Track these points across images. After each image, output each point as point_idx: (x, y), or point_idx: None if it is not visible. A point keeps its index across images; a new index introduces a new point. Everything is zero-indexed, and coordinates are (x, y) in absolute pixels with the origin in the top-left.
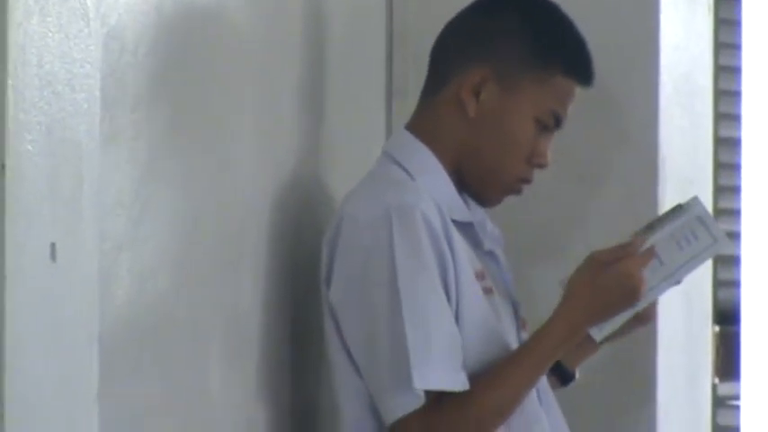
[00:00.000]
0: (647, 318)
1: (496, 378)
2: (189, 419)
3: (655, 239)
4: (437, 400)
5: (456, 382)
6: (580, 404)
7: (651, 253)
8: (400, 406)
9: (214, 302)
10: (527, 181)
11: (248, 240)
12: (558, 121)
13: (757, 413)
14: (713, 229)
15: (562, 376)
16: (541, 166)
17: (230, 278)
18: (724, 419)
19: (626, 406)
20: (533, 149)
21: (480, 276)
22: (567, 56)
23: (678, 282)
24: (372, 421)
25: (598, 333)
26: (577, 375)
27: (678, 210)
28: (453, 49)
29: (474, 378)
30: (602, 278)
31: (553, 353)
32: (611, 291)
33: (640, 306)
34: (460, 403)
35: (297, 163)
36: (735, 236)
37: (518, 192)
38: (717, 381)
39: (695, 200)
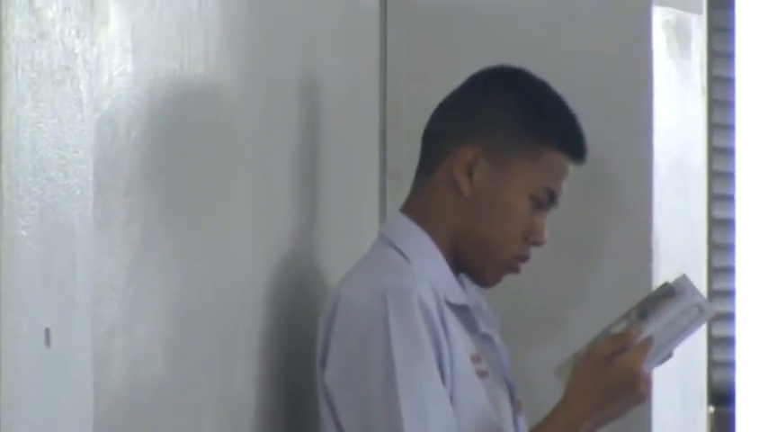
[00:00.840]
0: (643, 397)
1: None
2: None
3: (652, 330)
4: None
5: None
6: None
7: (649, 343)
8: None
9: (208, 385)
10: (524, 259)
11: (243, 321)
12: (552, 198)
13: None
14: (704, 304)
15: None
16: (538, 243)
17: (225, 360)
18: None
19: None
20: (529, 227)
21: (475, 360)
22: (559, 130)
23: (671, 355)
24: None
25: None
26: None
27: (668, 290)
28: (445, 129)
29: None
30: (604, 376)
31: None
32: (615, 388)
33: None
34: None
35: (292, 244)
36: (729, 317)
37: (516, 270)
38: None
39: (687, 283)
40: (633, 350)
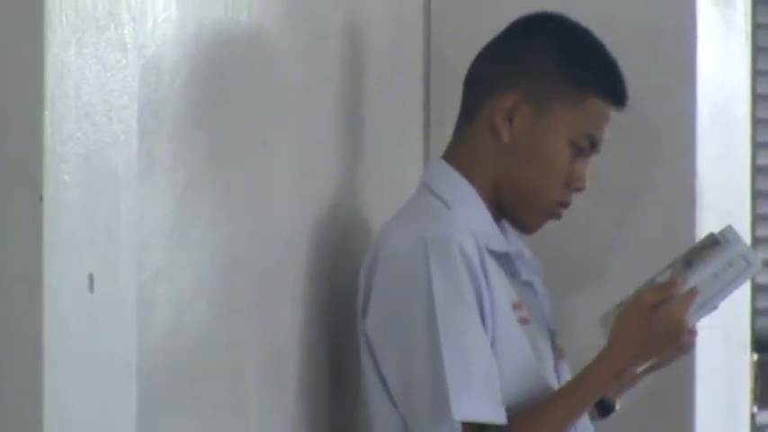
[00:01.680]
0: (687, 347)
1: (537, 414)
2: None
3: (697, 279)
4: None
5: (495, 414)
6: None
7: (694, 293)
8: None
9: (252, 332)
10: (566, 205)
11: (286, 269)
12: (593, 144)
13: None
14: (750, 256)
15: (602, 407)
16: (579, 189)
17: (268, 307)
18: None
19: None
20: (571, 173)
21: (517, 307)
22: (599, 77)
23: (715, 307)
24: None
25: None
26: (618, 407)
27: (713, 240)
28: (485, 76)
29: (513, 412)
30: (648, 325)
31: (596, 394)
32: (659, 338)
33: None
34: None
35: (335, 192)
36: None
37: (558, 216)
38: (755, 409)
39: (732, 233)
40: (677, 300)
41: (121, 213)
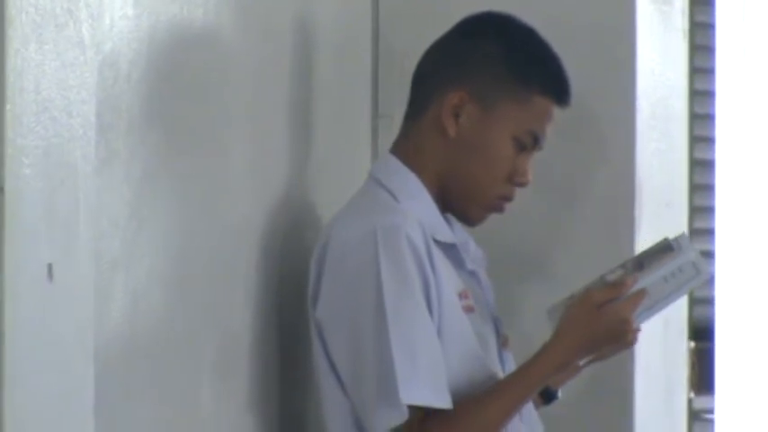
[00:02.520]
0: (629, 344)
1: (482, 400)
2: (182, 429)
3: (647, 282)
4: (421, 419)
5: (441, 399)
6: (559, 418)
7: (642, 294)
8: (386, 420)
9: (207, 319)
10: (508, 199)
11: (240, 258)
12: (536, 141)
13: (731, 426)
14: (700, 265)
15: (545, 395)
16: (522, 184)
17: (223, 295)
18: None
19: (605, 420)
20: (514, 168)
21: (462, 296)
22: (544, 75)
23: (660, 311)
24: None
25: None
26: (560, 395)
27: (666, 246)
28: (433, 73)
29: (459, 398)
30: (595, 321)
31: (540, 382)
32: (604, 334)
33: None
34: (445, 422)
35: (286, 183)
36: (709, 255)
37: (500, 210)
38: (692, 395)
39: (685, 240)
40: (626, 299)
41: (80, 204)
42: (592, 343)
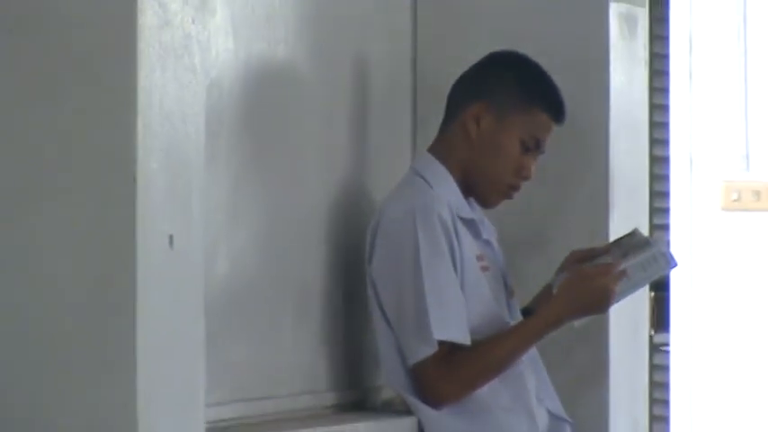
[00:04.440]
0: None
1: (494, 342)
2: (268, 368)
3: (627, 265)
4: (448, 352)
5: (463, 337)
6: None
7: (623, 273)
8: (420, 351)
9: (288, 278)
10: (515, 189)
11: (313, 233)
12: (538, 145)
13: (681, 355)
14: (670, 256)
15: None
16: (526, 178)
17: (300, 260)
18: (658, 360)
19: (586, 351)
20: (520, 165)
21: (479, 258)
22: (546, 97)
23: (633, 291)
24: (400, 364)
25: (578, 324)
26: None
27: (645, 242)
28: (461, 94)
29: (476, 338)
30: (585, 288)
31: (540, 333)
32: (591, 299)
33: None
34: (467, 356)
35: (348, 176)
36: (665, 227)
37: (510, 197)
38: (653, 332)
39: (661, 238)
40: (611, 276)
41: (192, 191)
42: (580, 305)
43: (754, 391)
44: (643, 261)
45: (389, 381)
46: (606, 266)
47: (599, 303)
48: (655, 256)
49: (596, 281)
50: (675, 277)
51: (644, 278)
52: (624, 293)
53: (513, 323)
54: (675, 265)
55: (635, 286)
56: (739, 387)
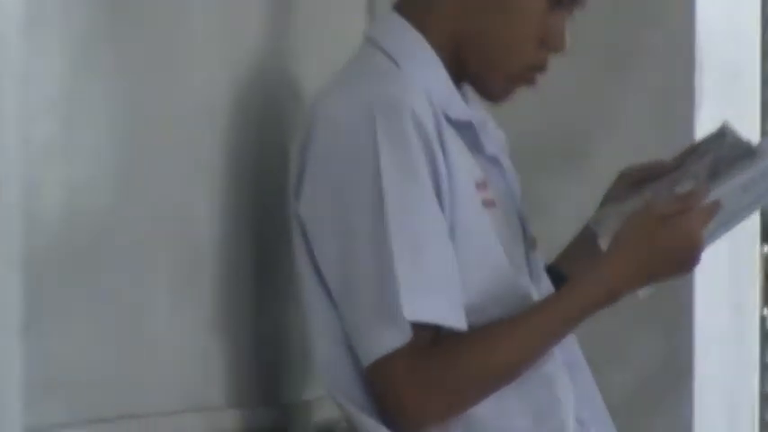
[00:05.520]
0: (693, 266)
1: (512, 326)
2: (130, 354)
3: (722, 192)
4: (430, 343)
5: (454, 318)
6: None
7: (717, 207)
8: (383, 342)
9: (161, 220)
10: (540, 68)
11: (202, 143)
12: None
13: None
14: None
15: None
16: (557, 49)
17: (181, 192)
18: None
19: (658, 343)
20: (546, 29)
21: (481, 186)
22: None
23: (734, 227)
24: (348, 364)
25: (644, 292)
26: None
27: (746, 149)
28: None
29: (477, 320)
30: (659, 238)
31: (583, 312)
32: (668, 255)
33: None
34: (458, 348)
35: (261, 52)
36: None
37: (530, 82)
38: (766, 311)
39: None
40: (697, 211)
41: (4, 77)
42: (653, 266)
43: None
44: (746, 179)
45: (331, 391)
46: (688, 197)
47: (682, 260)
48: (764, 173)
49: (675, 224)
50: None
51: (747, 207)
52: (715, 235)
53: (536, 295)
54: None
55: (731, 221)
56: None
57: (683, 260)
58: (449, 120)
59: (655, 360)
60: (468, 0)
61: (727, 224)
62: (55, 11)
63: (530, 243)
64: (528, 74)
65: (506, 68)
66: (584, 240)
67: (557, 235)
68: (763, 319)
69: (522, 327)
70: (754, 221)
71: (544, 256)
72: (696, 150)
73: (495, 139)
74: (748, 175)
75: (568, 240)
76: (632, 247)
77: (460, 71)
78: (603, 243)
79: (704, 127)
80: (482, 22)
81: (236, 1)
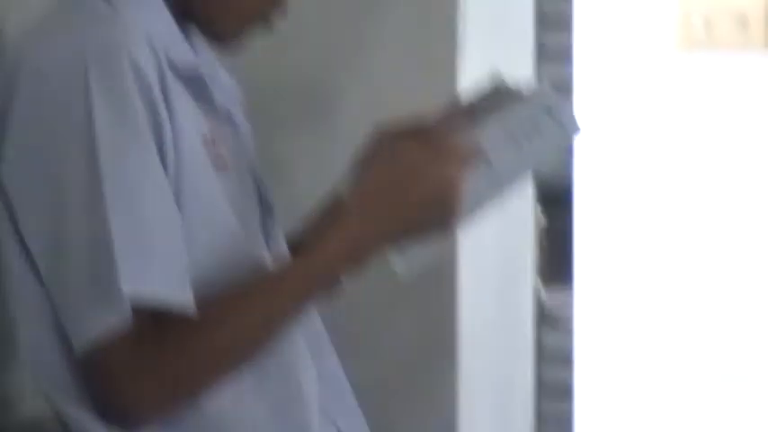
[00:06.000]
0: (453, 222)
1: (245, 300)
2: None
3: (486, 135)
4: (153, 324)
5: (179, 297)
6: (356, 323)
7: (477, 151)
8: (98, 322)
9: None
10: (278, 6)
11: None
12: None
13: (586, 330)
14: (567, 119)
15: None
16: None
17: None
18: (552, 342)
19: (414, 326)
20: None
21: (210, 143)
22: None
23: (504, 192)
24: (57, 351)
25: (402, 264)
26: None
27: (514, 94)
28: None
29: (207, 299)
30: (406, 182)
31: (325, 280)
32: (419, 202)
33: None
34: (184, 331)
35: None
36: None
37: (267, 24)
38: (541, 287)
39: (544, 89)
40: (457, 153)
41: None
42: (400, 217)
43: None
44: (508, 121)
45: (39, 382)
46: (442, 136)
47: (437, 210)
48: (535, 118)
49: (427, 165)
50: (581, 191)
51: (517, 165)
52: (483, 197)
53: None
54: (578, 131)
55: (502, 182)
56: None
57: (439, 211)
58: (174, 68)
59: (413, 346)
60: None
61: (498, 186)
62: None
63: (266, 208)
64: (265, 10)
65: (238, 7)
66: (333, 211)
67: (298, 199)
68: (538, 297)
69: (258, 298)
70: (527, 194)
71: (283, 224)
72: (460, 110)
73: (227, 90)
74: (510, 115)
75: (312, 206)
76: (368, 197)
77: (187, 12)
78: (347, 194)
79: (469, 75)
80: None
81: None
